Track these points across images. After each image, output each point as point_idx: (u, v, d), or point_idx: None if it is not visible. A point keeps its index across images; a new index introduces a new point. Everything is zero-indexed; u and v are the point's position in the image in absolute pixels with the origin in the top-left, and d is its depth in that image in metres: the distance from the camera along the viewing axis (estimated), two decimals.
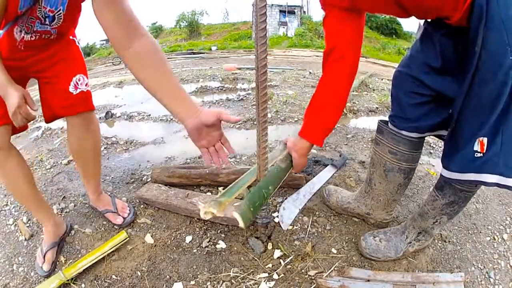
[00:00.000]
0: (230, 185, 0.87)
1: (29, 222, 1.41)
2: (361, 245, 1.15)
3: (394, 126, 1.05)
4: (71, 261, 1.18)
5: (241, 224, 0.78)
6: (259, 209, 0.91)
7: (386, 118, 1.13)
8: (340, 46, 0.95)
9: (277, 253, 1.17)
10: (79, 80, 1.14)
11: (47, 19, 0.91)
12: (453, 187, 0.96)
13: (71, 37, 1.12)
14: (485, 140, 0.79)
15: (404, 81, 0.99)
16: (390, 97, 1.08)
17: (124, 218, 1.33)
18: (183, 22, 22.44)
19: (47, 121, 1.21)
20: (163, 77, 0.81)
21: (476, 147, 0.81)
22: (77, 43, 1.16)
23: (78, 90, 1.13)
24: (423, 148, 2.09)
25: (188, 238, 1.27)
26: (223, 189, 1.54)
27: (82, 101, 1.15)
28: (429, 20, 0.91)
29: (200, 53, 11.25)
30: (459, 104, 0.82)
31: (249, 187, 0.98)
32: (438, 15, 0.82)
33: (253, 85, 3.39)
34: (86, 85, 1.16)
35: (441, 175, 0.94)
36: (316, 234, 1.28)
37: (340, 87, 1.00)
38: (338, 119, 1.04)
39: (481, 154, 0.80)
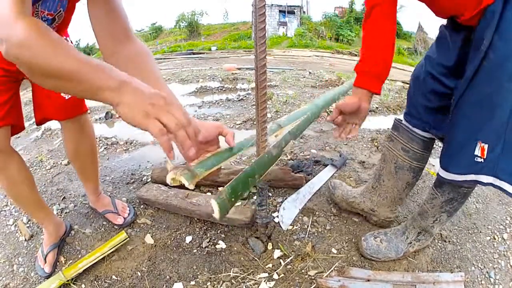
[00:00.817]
0: (209, 154, 0.74)
1: (29, 222, 1.40)
2: (362, 245, 1.15)
3: (408, 123, 1.07)
4: (71, 261, 1.18)
5: (217, 215, 0.71)
6: (240, 198, 0.82)
7: (400, 117, 1.15)
8: (382, 5, 0.95)
9: (277, 253, 1.17)
10: None
11: (46, 22, 0.88)
12: (451, 184, 0.96)
13: (64, 37, 1.09)
14: (486, 146, 0.81)
15: (420, 81, 1.01)
16: (407, 94, 1.08)
17: (125, 219, 1.33)
18: (182, 23, 22.44)
19: (38, 124, 1.18)
20: (155, 82, 0.76)
21: (477, 151, 0.82)
22: (70, 43, 1.14)
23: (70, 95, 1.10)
24: None
25: (188, 238, 1.27)
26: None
27: (74, 105, 1.13)
28: (445, 22, 0.94)
29: (200, 53, 11.26)
30: (458, 95, 0.84)
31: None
32: (451, 12, 0.85)
33: (253, 85, 3.40)
34: None
35: (438, 174, 0.95)
36: (316, 234, 1.28)
37: (386, 37, 0.98)
38: (389, 66, 1.00)
39: (482, 160, 0.82)
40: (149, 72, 0.77)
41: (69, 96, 1.10)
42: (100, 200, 1.39)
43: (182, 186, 0.67)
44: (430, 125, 1.02)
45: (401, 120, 1.11)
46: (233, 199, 0.77)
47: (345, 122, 1.02)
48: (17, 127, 1.04)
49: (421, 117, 1.03)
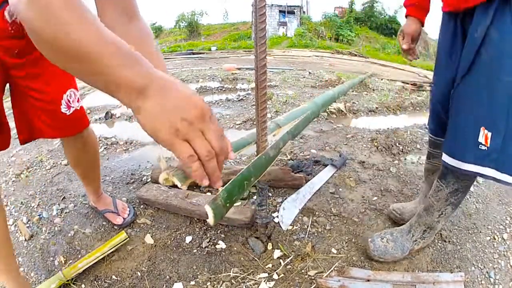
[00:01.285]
0: None
1: (29, 222, 1.40)
2: (369, 247, 1.15)
3: (438, 136, 1.16)
4: (71, 261, 1.18)
5: (211, 221, 0.67)
6: (235, 202, 0.80)
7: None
8: None
9: (277, 253, 1.17)
10: (70, 97, 0.99)
11: None
12: (455, 174, 0.99)
13: None
14: (489, 134, 0.84)
15: (436, 87, 1.09)
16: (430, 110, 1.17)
17: (124, 219, 1.33)
18: (182, 23, 22.43)
19: (24, 142, 1.02)
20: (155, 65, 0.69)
21: (481, 139, 0.85)
22: None
23: (72, 110, 1.00)
24: (424, 148, 2.10)
25: (188, 238, 1.27)
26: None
27: (76, 121, 1.04)
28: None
29: (200, 53, 11.23)
30: (458, 81, 0.89)
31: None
32: None
33: (253, 85, 3.40)
34: (78, 100, 1.03)
35: (443, 161, 0.97)
36: (316, 234, 1.28)
37: None
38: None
39: (486, 148, 0.85)
40: (151, 54, 0.67)
41: (71, 111, 1.00)
42: (101, 199, 1.38)
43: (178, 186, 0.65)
44: None
45: (436, 138, 1.18)
46: (228, 204, 0.74)
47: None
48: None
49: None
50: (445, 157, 0.95)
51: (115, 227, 1.33)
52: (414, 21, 1.15)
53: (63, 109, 0.98)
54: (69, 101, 0.98)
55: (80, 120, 1.06)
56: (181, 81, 0.43)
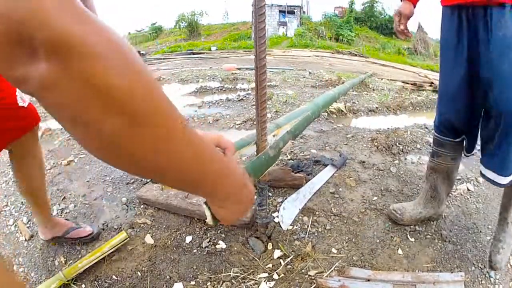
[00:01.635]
0: None
1: (29, 222, 1.41)
2: (497, 267, 1.12)
3: (446, 136, 1.19)
4: (71, 261, 1.18)
5: (209, 221, 0.63)
6: None
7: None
8: None
9: (277, 253, 1.18)
10: (19, 92, 0.96)
11: None
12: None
13: None
14: None
15: (446, 87, 1.12)
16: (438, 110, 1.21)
17: (93, 230, 1.26)
18: (182, 23, 22.43)
19: None
20: None
21: None
22: None
23: (27, 101, 0.98)
24: (424, 148, 2.10)
25: (188, 238, 1.27)
26: None
27: (33, 112, 1.02)
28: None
29: (200, 53, 11.23)
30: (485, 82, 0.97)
31: None
32: None
33: (253, 85, 3.39)
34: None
35: (487, 177, 1.06)
36: (316, 234, 1.28)
37: None
38: None
39: None
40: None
41: (27, 103, 0.98)
42: (57, 223, 1.25)
43: None
44: (463, 130, 1.15)
45: (442, 137, 1.20)
46: None
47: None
48: None
49: (455, 126, 1.15)
50: (490, 174, 1.04)
51: (86, 238, 1.25)
52: (408, 3, 1.23)
53: (20, 103, 0.96)
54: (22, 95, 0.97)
55: (35, 111, 1.04)
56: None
